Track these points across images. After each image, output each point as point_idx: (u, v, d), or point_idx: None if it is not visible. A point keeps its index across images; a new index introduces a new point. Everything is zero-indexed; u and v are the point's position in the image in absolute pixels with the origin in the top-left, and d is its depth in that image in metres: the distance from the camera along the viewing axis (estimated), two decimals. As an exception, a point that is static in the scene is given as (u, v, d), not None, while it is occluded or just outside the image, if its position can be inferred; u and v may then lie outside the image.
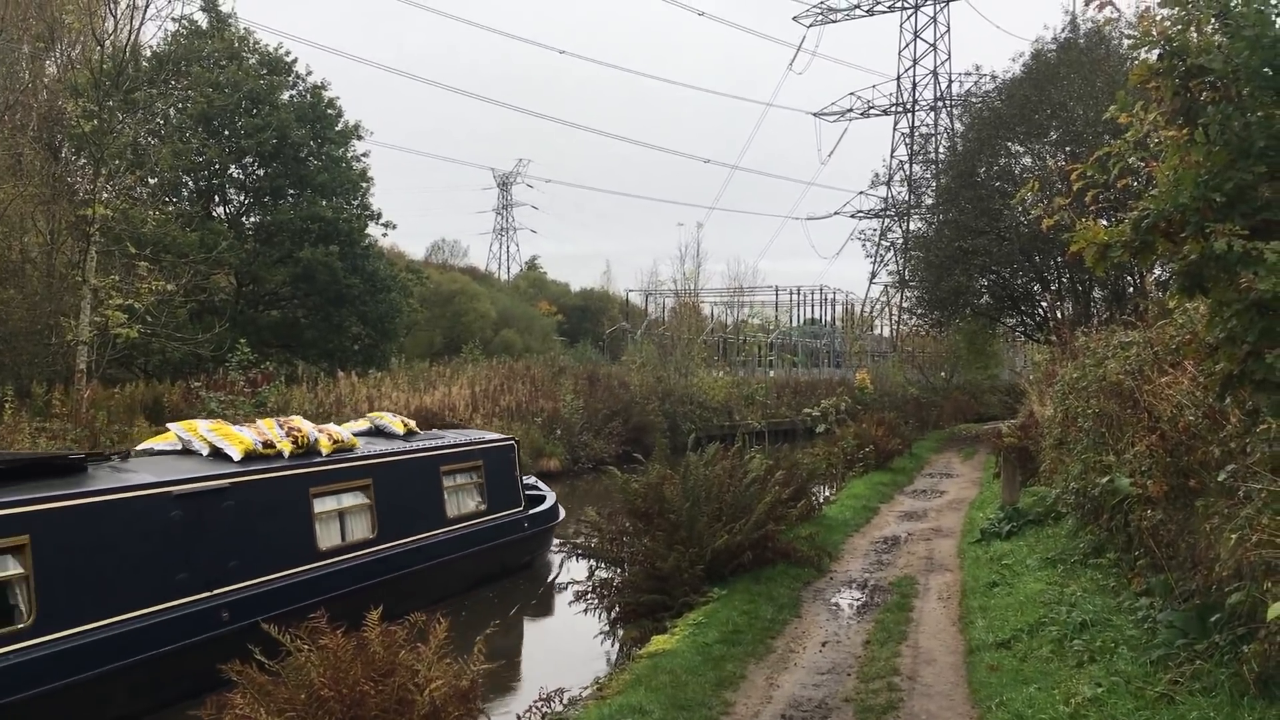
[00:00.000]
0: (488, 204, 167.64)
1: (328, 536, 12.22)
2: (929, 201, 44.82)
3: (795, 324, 64.80)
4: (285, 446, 12.15)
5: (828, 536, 15.72)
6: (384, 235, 39.10)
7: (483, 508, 15.15)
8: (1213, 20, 5.93)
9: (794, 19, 73.19)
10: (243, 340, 24.90)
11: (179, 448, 12.08)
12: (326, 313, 33.50)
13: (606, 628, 12.45)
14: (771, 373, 50.35)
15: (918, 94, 69.26)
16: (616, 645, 12.09)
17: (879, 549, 15.73)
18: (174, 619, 9.87)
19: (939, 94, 67.64)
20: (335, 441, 12.89)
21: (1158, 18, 6.13)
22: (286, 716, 6.05)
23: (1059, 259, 31.25)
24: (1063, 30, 34.93)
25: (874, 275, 68.33)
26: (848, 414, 31.50)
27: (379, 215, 36.43)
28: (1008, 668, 8.72)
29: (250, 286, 33.84)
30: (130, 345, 22.45)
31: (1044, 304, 36.14)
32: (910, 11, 69.57)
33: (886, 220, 64.69)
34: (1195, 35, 5.94)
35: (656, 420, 32.56)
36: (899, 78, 70.31)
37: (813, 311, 67.26)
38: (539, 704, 8.07)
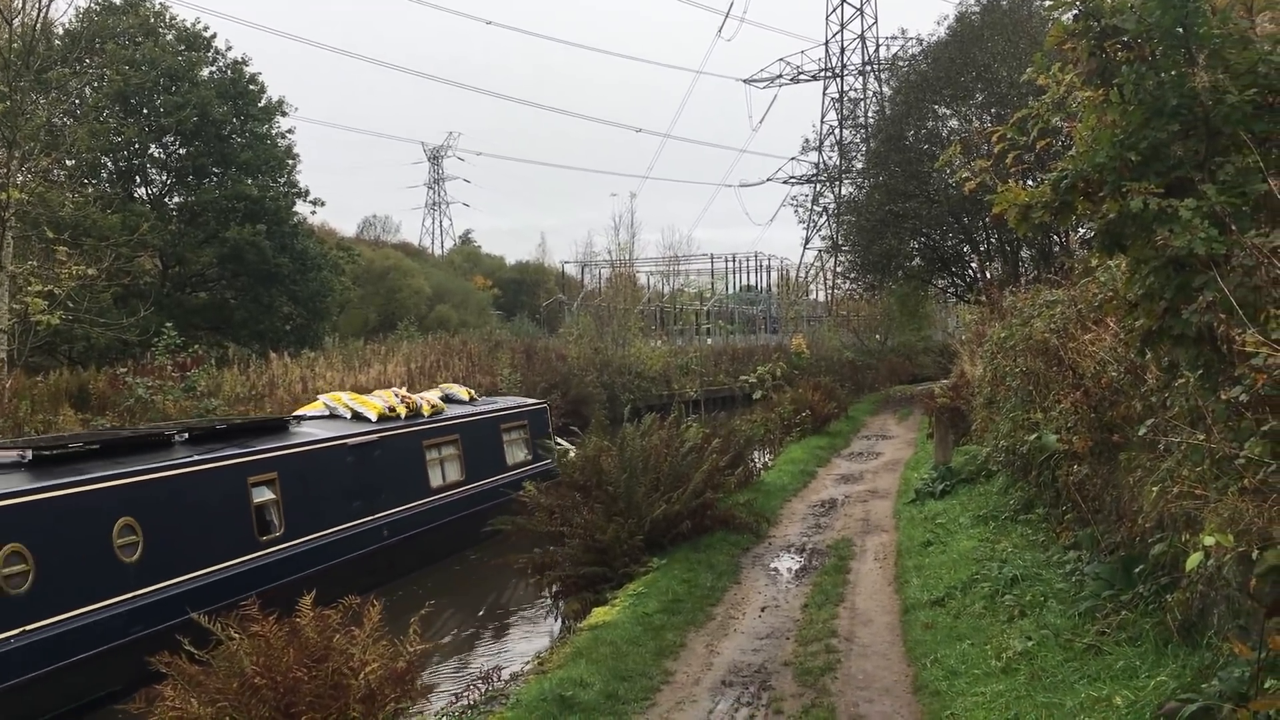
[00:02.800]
0: (419, 179, 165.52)
1: (436, 478, 15.97)
2: (859, 166, 45.06)
3: (731, 291, 65.03)
4: (401, 410, 15.72)
5: (766, 502, 15.84)
6: (313, 213, 38.62)
7: (529, 458, 18.32)
8: (1126, -20, 5.97)
9: (722, -15, 72.96)
10: (169, 324, 24.37)
11: (326, 413, 15.57)
12: (256, 293, 32.91)
13: (548, 602, 12.45)
14: (709, 341, 50.50)
15: (846, 59, 69.57)
16: (558, 619, 12.10)
17: (817, 512, 15.88)
18: (357, 534, 13.73)
19: (867, 58, 68.03)
20: (432, 406, 16.60)
21: (1073, -22, 6.15)
22: (219, 706, 5.95)
23: (986, 220, 31.57)
24: (986, -9, 35.13)
25: (807, 240, 68.75)
26: (784, 380, 31.73)
27: (307, 193, 35.90)
28: (942, 625, 8.86)
29: (176, 268, 33.13)
30: (52, 332, 21.86)
31: (973, 265, 36.56)
32: (837, -25, 69.66)
33: (818, 185, 64.92)
34: (1109, -4, 5.97)
35: (595, 392, 32.51)
36: (827, 42, 70.62)
37: (748, 278, 67.63)
38: (478, 681, 8.04)
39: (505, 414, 18.55)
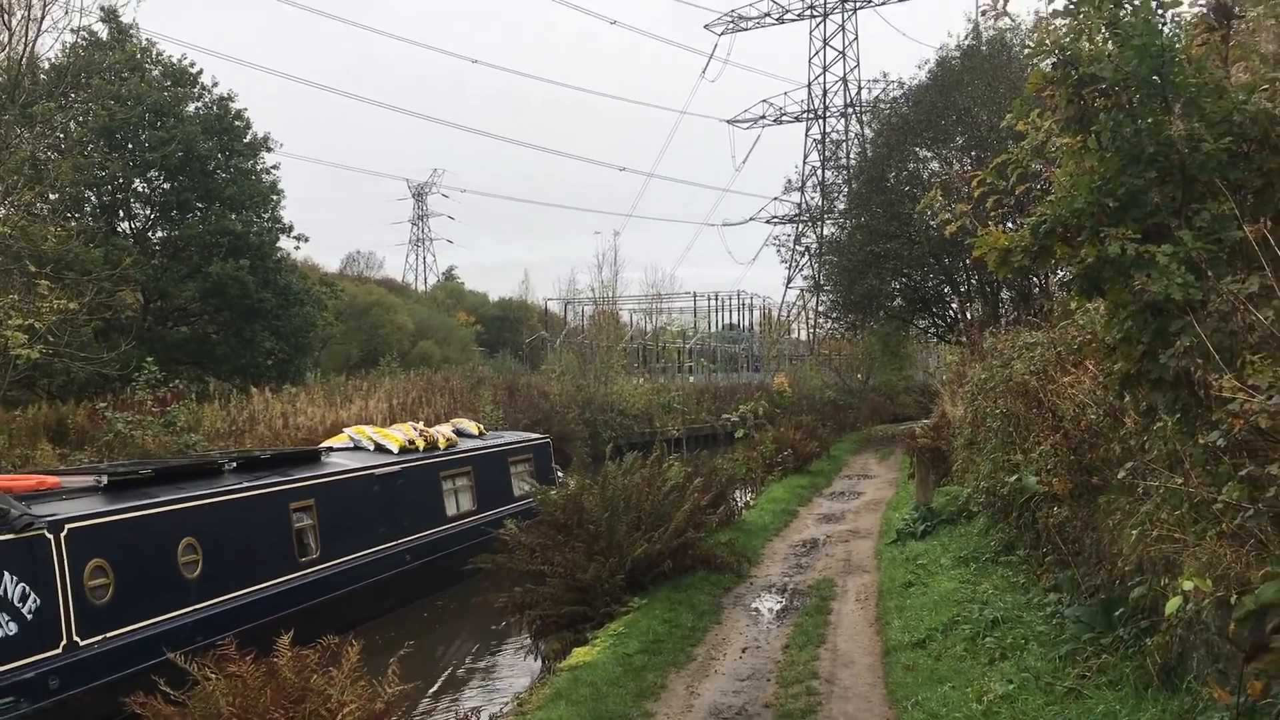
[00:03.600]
0: (403, 215, 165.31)
1: (451, 507, 17.03)
2: (841, 206, 45.43)
3: (714, 330, 65.17)
4: (420, 443, 16.88)
5: (747, 542, 15.80)
6: (296, 248, 38.58)
7: (533, 490, 18.11)
8: (1104, 29, 6.07)
9: (706, 27, 73.82)
10: (149, 359, 24.24)
11: (351, 445, 16.71)
12: (238, 328, 32.78)
13: (528, 641, 12.36)
14: (691, 379, 50.55)
15: (828, 100, 70.19)
16: (538, 659, 12.01)
17: (798, 552, 15.85)
18: (382, 557, 14.69)
19: (849, 100, 68.62)
20: (447, 440, 17.81)
21: (1052, 27, 6.26)
22: (194, 748, 5.88)
23: (967, 262, 31.73)
24: (966, 37, 35.57)
25: (789, 280, 68.92)
26: (766, 418, 31.70)
27: (291, 228, 35.82)
28: (923, 667, 8.84)
29: (158, 303, 33.00)
30: (32, 366, 21.71)
31: (954, 305, 36.74)
32: (819, 19, 70.58)
33: (801, 225, 65.22)
34: (1087, 44, 6.07)
35: (577, 429, 32.40)
36: (810, 84, 71.19)
37: (731, 317, 67.75)
38: (457, 723, 7.97)
39: (512, 448, 19.79)
